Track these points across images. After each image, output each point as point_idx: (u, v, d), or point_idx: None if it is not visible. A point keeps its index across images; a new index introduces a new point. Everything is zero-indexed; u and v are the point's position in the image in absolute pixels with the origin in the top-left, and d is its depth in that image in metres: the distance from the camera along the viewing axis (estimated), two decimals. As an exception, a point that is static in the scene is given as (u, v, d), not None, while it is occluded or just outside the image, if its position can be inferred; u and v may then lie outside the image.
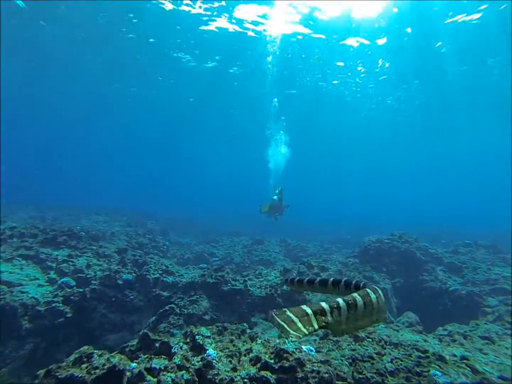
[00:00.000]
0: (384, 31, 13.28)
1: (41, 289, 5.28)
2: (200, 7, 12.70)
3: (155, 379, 2.07)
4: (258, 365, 2.25)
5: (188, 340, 2.57)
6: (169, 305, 5.38)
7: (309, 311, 1.07)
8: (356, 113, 24.81)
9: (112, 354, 2.29)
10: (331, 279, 1.62)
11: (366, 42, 14.22)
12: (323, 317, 1.07)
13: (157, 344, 2.61)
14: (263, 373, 2.14)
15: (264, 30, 13.93)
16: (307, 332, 0.99)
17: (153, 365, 2.19)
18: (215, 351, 2.28)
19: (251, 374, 2.11)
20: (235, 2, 12.25)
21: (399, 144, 31.86)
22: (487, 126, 24.23)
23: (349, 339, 3.24)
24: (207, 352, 2.26)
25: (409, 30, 13.17)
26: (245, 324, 3.80)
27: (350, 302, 1.14)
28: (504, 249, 10.93)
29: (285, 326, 1.00)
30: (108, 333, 5.66)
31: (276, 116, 22.44)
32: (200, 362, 2.19)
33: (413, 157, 37.60)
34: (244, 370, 2.16)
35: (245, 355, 2.42)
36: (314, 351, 2.46)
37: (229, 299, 5.73)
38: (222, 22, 13.67)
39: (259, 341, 2.71)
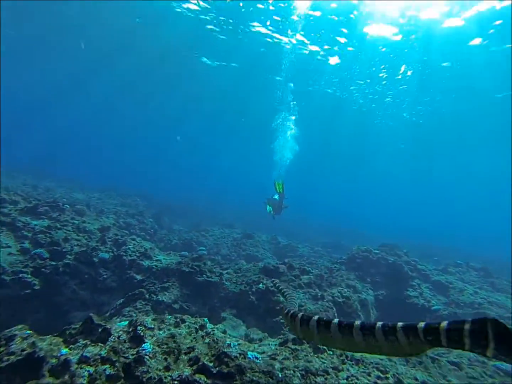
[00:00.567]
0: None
1: (11, 258, 5.15)
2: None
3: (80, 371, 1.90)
4: (195, 367, 2.08)
5: (131, 329, 2.41)
6: (139, 289, 5.25)
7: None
8: (369, 120, 24.58)
9: (43, 337, 2.13)
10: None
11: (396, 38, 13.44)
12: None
13: (100, 330, 2.46)
14: (197, 376, 1.98)
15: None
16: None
17: (85, 353, 2.03)
18: (151, 346, 2.11)
19: (184, 376, 1.95)
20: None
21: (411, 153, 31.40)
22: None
23: (308, 349, 3.08)
24: (143, 345, 2.09)
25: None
26: (205, 319, 3.64)
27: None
28: (495, 273, 10.69)
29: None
30: (75, 310, 5.56)
31: (289, 104, 21.66)
32: (132, 356, 2.03)
33: (426, 168, 36.88)
34: (177, 371, 1.99)
35: (185, 354, 2.26)
36: (260, 358, 2.29)
37: (202, 290, 5.58)
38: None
39: (207, 339, 2.55)
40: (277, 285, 3.21)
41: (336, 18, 12.84)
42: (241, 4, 12.90)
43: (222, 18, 14.34)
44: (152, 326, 2.41)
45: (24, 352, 1.84)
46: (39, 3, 15.40)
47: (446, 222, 61.00)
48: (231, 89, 23.06)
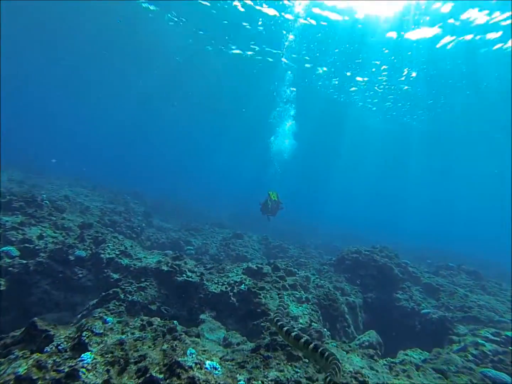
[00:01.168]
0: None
1: (-24, 255, 4.83)
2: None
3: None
4: (142, 379, 1.83)
5: (76, 335, 2.15)
6: (114, 289, 4.97)
7: None
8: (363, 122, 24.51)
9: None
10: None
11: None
12: None
13: (43, 337, 2.19)
14: (142, 391, 1.73)
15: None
16: None
17: (8, 370, 1.76)
18: (92, 356, 1.85)
19: (124, 392, 1.69)
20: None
21: (410, 153, 31.39)
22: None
23: (282, 357, 2.83)
24: (82, 356, 1.83)
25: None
26: (175, 321, 3.39)
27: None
28: (486, 276, 10.57)
29: None
30: (47, 311, 5.26)
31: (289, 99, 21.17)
32: (67, 370, 1.77)
33: (426, 167, 36.84)
34: (118, 385, 1.73)
35: (135, 363, 2.00)
36: (220, 369, 2.04)
37: (182, 291, 5.32)
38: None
39: (165, 346, 2.29)
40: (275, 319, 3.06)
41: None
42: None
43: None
44: (101, 332, 2.15)
45: None
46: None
47: (445, 225, 60.96)
48: (227, 79, 22.56)
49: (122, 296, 4.90)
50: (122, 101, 33.13)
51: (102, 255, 6.04)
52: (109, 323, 3.13)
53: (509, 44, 12.34)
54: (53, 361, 1.76)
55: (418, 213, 68.04)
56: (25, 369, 1.64)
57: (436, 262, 13.80)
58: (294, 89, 19.86)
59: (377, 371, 3.22)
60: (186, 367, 1.89)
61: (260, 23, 14.91)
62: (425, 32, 12.78)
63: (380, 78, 17.27)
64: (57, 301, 5.45)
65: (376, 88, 18.62)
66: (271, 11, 13.92)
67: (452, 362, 4.25)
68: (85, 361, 1.78)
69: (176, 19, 16.13)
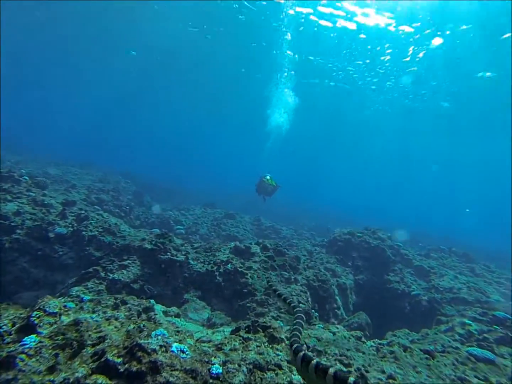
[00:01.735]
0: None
1: None
2: None
3: None
4: (96, 364, 1.60)
5: (27, 315, 1.90)
6: (94, 267, 4.75)
7: None
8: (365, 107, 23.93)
9: None
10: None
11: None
12: None
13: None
14: (94, 378, 1.50)
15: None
16: None
17: None
18: (37, 339, 1.61)
19: (71, 380, 1.46)
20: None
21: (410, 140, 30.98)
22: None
23: (263, 339, 2.65)
24: (24, 339, 1.59)
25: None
26: (152, 300, 3.19)
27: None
28: (476, 259, 10.62)
29: None
30: (24, 290, 5.04)
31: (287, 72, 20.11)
32: (2, 356, 1.53)
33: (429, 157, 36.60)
34: (65, 373, 1.50)
35: (92, 346, 1.77)
36: (188, 352, 1.83)
37: (166, 269, 5.12)
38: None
39: (131, 326, 2.06)
40: (270, 283, 2.85)
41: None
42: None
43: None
44: (55, 311, 1.91)
45: None
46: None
47: (447, 213, 60.91)
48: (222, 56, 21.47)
49: (102, 274, 4.68)
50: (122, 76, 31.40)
51: (84, 232, 5.78)
52: (84, 302, 2.91)
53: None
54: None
55: (419, 200, 68.32)
56: None
57: (428, 245, 13.87)
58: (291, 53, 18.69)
59: (363, 353, 3.08)
60: (149, 350, 1.66)
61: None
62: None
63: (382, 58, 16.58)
64: (36, 279, 5.23)
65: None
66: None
67: (439, 342, 4.18)
68: (27, 346, 1.55)
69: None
